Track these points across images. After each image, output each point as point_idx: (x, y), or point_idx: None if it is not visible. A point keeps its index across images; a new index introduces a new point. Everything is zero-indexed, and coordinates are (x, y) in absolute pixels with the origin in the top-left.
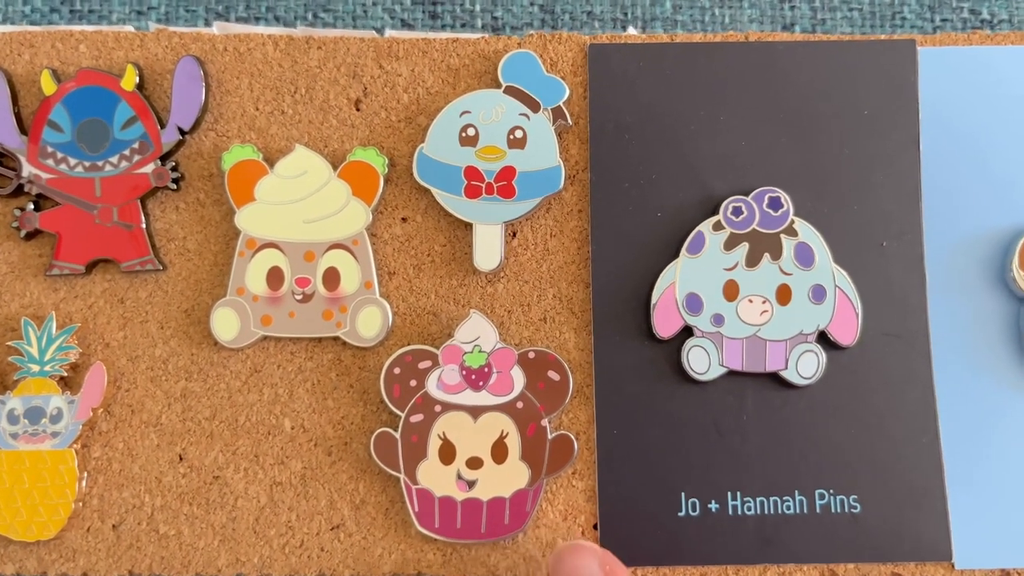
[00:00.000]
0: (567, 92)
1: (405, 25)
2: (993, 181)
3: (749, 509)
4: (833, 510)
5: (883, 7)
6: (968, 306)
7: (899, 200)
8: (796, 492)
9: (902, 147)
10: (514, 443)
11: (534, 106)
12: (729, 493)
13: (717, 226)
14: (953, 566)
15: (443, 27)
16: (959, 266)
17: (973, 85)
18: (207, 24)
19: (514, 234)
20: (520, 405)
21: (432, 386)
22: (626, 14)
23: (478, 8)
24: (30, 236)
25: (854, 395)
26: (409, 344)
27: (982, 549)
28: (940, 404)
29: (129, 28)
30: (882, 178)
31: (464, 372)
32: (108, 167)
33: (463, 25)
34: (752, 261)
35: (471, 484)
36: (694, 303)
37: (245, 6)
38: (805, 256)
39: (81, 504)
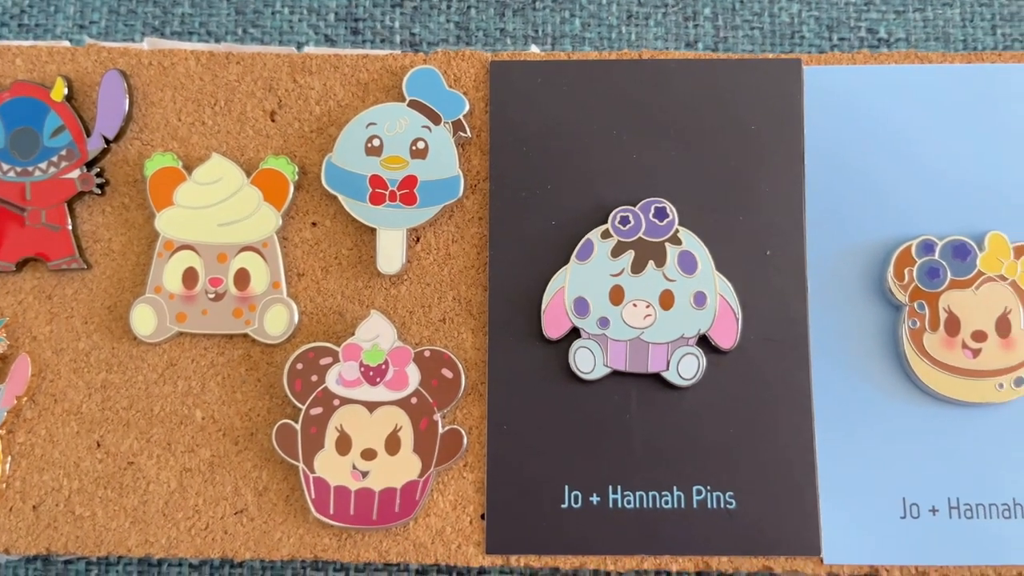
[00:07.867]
0: (467, 106)
1: (328, 40)
2: (873, 195)
3: (629, 503)
4: (709, 505)
5: (783, 26)
6: (847, 314)
7: (783, 212)
8: (675, 487)
9: (787, 161)
10: (407, 436)
11: (436, 119)
12: (610, 487)
13: (605, 234)
14: (822, 560)
15: (364, 43)
16: (839, 275)
17: (856, 102)
18: (144, 37)
19: (418, 239)
20: (414, 400)
21: (332, 381)
22: (537, 31)
23: (397, 25)
24: None
25: (734, 397)
26: (315, 341)
27: (851, 546)
28: (816, 407)
29: (65, 43)
30: (767, 190)
31: (362, 368)
32: (38, 172)
33: (383, 41)
34: (637, 268)
35: (364, 474)
36: (582, 306)
37: (180, 22)
38: (688, 264)
39: (4, 486)
